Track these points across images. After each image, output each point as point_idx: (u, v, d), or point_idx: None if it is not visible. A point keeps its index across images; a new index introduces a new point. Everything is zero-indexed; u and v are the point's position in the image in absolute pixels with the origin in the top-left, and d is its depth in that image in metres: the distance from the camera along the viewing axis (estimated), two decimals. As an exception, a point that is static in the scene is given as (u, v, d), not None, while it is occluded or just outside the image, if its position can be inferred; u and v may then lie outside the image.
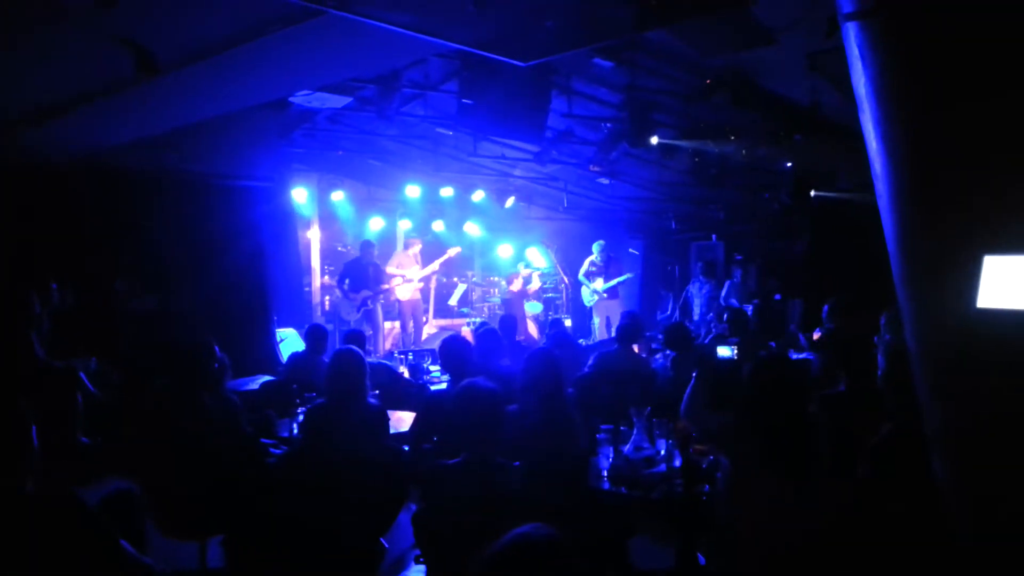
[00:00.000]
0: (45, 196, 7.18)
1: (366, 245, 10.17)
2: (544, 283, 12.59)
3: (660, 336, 9.87)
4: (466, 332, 10.38)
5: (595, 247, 11.08)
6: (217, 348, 4.22)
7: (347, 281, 9.95)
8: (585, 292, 11.19)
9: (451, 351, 4.72)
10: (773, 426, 2.87)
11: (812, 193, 9.76)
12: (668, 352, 6.32)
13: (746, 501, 2.89)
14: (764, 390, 2.95)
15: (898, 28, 2.36)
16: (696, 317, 10.80)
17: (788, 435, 2.85)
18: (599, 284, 10.94)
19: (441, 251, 11.28)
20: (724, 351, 4.49)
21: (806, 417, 2.99)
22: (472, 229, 12.89)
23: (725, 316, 7.86)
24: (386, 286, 10.22)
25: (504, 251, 13.24)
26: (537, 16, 4.11)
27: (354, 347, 4.30)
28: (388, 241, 12.06)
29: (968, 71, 2.25)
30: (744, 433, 2.95)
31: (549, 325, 8.30)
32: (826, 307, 6.84)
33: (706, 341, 7.81)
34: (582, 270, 11.15)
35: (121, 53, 4.41)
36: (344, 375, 3.98)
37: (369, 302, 9.95)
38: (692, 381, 3.41)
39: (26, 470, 2.23)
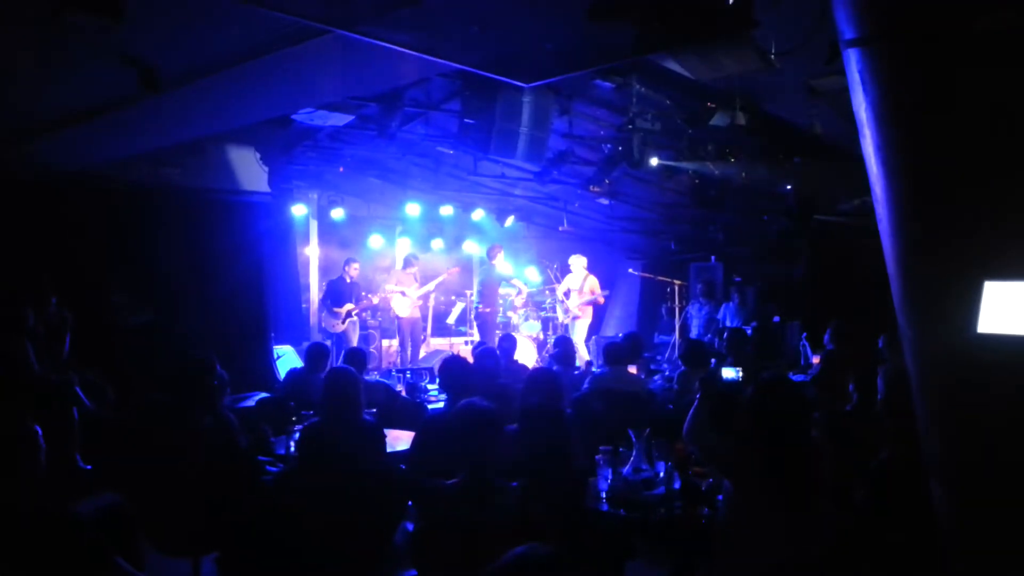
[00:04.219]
0: (44, 209, 7.17)
1: (347, 262, 10.45)
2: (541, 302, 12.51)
3: (659, 357, 9.89)
4: (465, 351, 10.35)
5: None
6: (218, 365, 4.22)
7: (328, 302, 10.19)
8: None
9: (451, 371, 4.72)
10: (774, 449, 2.85)
11: (812, 216, 9.79)
12: (668, 372, 6.29)
13: (746, 525, 2.87)
14: (766, 412, 2.93)
15: (899, 55, 2.38)
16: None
17: (789, 459, 2.84)
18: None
19: (440, 269, 11.29)
20: (729, 373, 4.46)
21: (808, 440, 2.97)
22: (471, 248, 12.89)
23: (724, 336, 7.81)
24: (366, 302, 10.42)
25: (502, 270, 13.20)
26: (539, 39, 4.14)
27: (348, 366, 4.32)
28: (387, 259, 12.08)
29: (968, 97, 2.26)
30: (746, 456, 2.93)
31: (555, 343, 8.24)
32: (828, 330, 6.83)
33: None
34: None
35: (125, 70, 4.43)
36: (337, 393, 4.00)
37: (352, 315, 10.14)
38: (695, 403, 3.39)
39: (31, 490, 2.23)
